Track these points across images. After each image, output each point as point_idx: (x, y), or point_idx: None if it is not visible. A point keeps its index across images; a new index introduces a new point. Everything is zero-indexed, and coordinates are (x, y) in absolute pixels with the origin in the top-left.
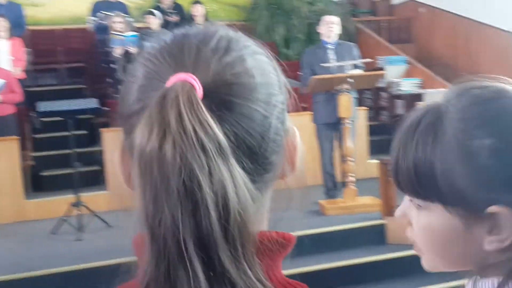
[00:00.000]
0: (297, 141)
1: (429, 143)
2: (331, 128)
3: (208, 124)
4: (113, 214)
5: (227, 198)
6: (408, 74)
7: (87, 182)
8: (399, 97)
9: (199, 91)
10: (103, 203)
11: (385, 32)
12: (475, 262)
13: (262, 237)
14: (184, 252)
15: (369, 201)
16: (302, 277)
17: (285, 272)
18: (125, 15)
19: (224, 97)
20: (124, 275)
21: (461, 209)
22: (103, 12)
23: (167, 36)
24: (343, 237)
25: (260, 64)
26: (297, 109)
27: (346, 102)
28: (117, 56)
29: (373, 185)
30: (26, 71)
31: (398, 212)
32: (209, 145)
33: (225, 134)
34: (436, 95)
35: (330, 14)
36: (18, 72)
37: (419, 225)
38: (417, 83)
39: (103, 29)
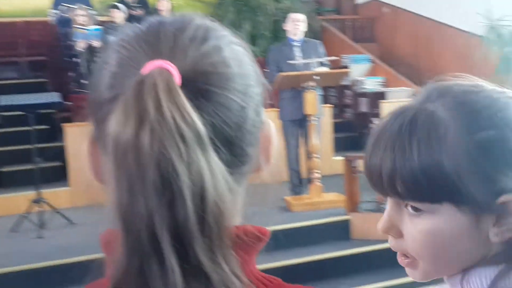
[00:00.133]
0: (272, 134)
1: (433, 145)
2: (297, 125)
3: (187, 112)
4: (76, 210)
5: (205, 189)
6: (371, 73)
7: (48, 178)
8: (363, 95)
9: (177, 79)
10: (65, 200)
11: (349, 31)
12: (475, 257)
13: (238, 231)
14: (159, 245)
15: (334, 197)
16: (268, 273)
17: None
18: (88, 8)
19: (202, 86)
20: (93, 273)
21: (471, 205)
22: (64, 4)
23: (141, 24)
24: (308, 233)
25: (237, 55)
26: (263, 105)
27: (312, 99)
28: (80, 50)
29: (337, 181)
30: None
31: (383, 225)
32: (188, 134)
33: (203, 123)
34: (399, 93)
35: (296, 11)
36: None
37: (420, 231)
38: (381, 82)
39: (65, 22)
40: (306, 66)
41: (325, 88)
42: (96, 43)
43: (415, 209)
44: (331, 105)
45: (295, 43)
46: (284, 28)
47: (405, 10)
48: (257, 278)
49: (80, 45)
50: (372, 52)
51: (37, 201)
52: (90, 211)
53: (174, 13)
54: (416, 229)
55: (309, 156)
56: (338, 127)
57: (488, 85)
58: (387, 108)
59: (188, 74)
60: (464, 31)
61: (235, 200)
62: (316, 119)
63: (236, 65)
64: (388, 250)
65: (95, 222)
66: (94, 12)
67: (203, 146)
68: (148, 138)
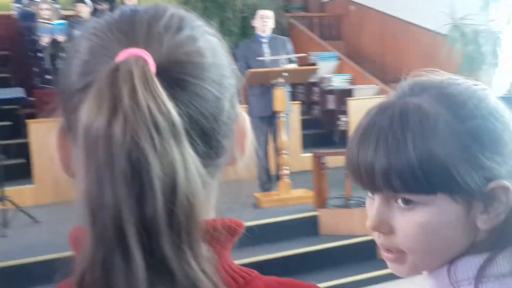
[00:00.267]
0: (247, 126)
1: (427, 136)
2: (265, 121)
3: (163, 102)
4: (40, 208)
5: (177, 182)
6: (338, 70)
7: (12, 176)
8: (330, 92)
9: (152, 68)
10: (30, 198)
11: (316, 28)
12: (463, 246)
13: (216, 224)
14: (124, 237)
15: (302, 193)
16: None
17: None
18: (52, 1)
19: (178, 76)
20: (60, 271)
21: (464, 193)
22: None
23: (114, 12)
24: (277, 229)
25: (211, 45)
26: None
27: (281, 96)
28: (44, 44)
29: (305, 178)
30: None
31: (373, 222)
32: (162, 124)
33: (179, 114)
34: (365, 91)
35: (264, 8)
36: None
37: (414, 225)
38: (347, 79)
39: (28, 16)
40: (275, 62)
41: (293, 85)
42: (60, 38)
43: (407, 202)
44: (299, 102)
45: (263, 40)
46: (253, 24)
47: (371, 8)
48: (234, 270)
49: (44, 39)
50: (339, 50)
51: (0, 199)
52: (55, 209)
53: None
54: (409, 223)
55: (278, 152)
56: (306, 124)
57: (462, 79)
58: (354, 105)
59: (163, 63)
60: (429, 30)
61: (209, 194)
62: (285, 115)
63: (211, 55)
64: (355, 245)
65: (60, 220)
66: (58, 6)
67: (178, 137)
68: (120, 126)
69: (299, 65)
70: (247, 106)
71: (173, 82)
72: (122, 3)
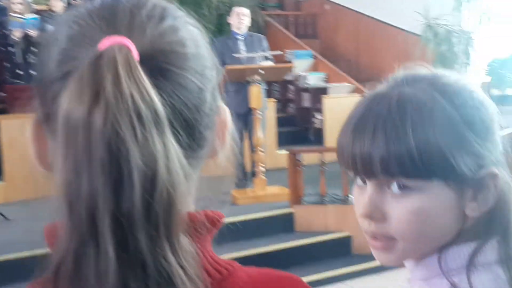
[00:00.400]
0: (228, 119)
1: (425, 123)
2: (241, 118)
3: (146, 91)
4: (11, 206)
5: (157, 173)
6: (313, 69)
7: None
8: (305, 90)
9: (136, 56)
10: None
11: (292, 27)
12: (451, 233)
13: (196, 217)
14: (97, 229)
15: (278, 190)
16: None
17: None
18: None
19: (161, 65)
20: (34, 270)
21: (458, 180)
22: None
23: (94, 0)
24: (253, 226)
25: (193, 35)
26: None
27: (257, 93)
28: (16, 39)
29: (280, 175)
30: None
31: (366, 209)
32: (145, 113)
33: (162, 104)
34: (340, 89)
35: (240, 5)
36: None
37: (408, 210)
38: (323, 77)
39: (0, 10)
40: (250, 60)
41: (268, 83)
42: (33, 33)
43: (402, 188)
44: (274, 100)
45: (239, 37)
46: (229, 21)
47: (346, 7)
48: (217, 262)
49: (16, 34)
50: (314, 48)
51: None
52: (26, 206)
53: None
54: (403, 209)
55: (253, 149)
56: (281, 122)
57: (451, 72)
58: (329, 103)
59: (146, 52)
60: (403, 29)
61: (191, 185)
62: (261, 113)
63: (193, 46)
64: (330, 241)
65: (31, 218)
66: (30, 0)
67: (160, 127)
68: (102, 114)
69: (275, 63)
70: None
71: (156, 72)
72: None
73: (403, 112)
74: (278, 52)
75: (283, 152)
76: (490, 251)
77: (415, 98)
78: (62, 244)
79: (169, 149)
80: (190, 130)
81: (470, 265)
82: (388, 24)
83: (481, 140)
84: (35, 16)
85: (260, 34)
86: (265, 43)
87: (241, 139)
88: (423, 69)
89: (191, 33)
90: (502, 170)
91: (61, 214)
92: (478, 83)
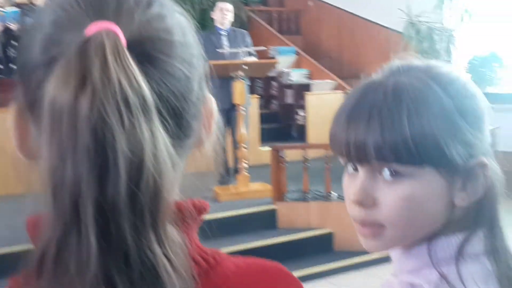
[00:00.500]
0: (214, 109)
1: (420, 111)
2: (224, 114)
3: (134, 77)
4: None
5: (144, 161)
6: (296, 65)
7: None
8: (289, 86)
9: (123, 42)
10: None
11: (275, 23)
12: (439, 222)
13: (181, 206)
14: (81, 216)
15: (261, 187)
16: None
17: None
18: None
19: (149, 52)
20: (14, 265)
21: (450, 168)
22: None
23: None
24: (236, 223)
25: (180, 23)
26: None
27: (240, 89)
28: None
29: (263, 171)
30: None
31: (358, 195)
32: (133, 100)
33: (150, 91)
34: (323, 85)
35: (223, 1)
36: None
37: (399, 196)
38: (306, 74)
39: None
40: (234, 55)
41: (252, 79)
42: (13, 26)
43: (394, 174)
44: (257, 96)
45: (222, 32)
46: (212, 16)
47: (329, 4)
48: (204, 251)
49: None
50: (297, 45)
51: None
52: (2, 202)
53: None
54: (394, 195)
55: (236, 146)
56: (264, 118)
57: (443, 63)
58: (312, 100)
59: (134, 38)
60: (385, 27)
61: (178, 174)
62: (244, 109)
63: (181, 34)
64: (312, 238)
65: (8, 214)
66: None
67: (148, 114)
68: (88, 100)
69: (258, 59)
70: None
71: (144, 59)
72: None
73: (398, 100)
74: (262, 48)
75: (266, 149)
76: (478, 242)
77: (411, 86)
78: (45, 233)
79: (156, 137)
80: (177, 119)
81: (459, 255)
82: (371, 21)
83: (473, 129)
84: (15, 9)
85: (243, 30)
86: (248, 39)
87: (224, 135)
88: (417, 60)
89: (179, 21)
90: (491, 161)
91: (45, 202)
92: None
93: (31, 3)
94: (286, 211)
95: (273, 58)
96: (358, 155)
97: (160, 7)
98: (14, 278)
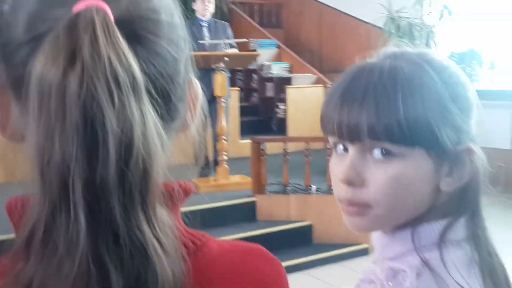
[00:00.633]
0: (199, 91)
1: (416, 94)
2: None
3: (124, 54)
4: None
5: (133, 140)
6: (277, 58)
7: None
8: (269, 79)
9: (112, 20)
10: None
11: (256, 15)
12: (424, 207)
13: (169, 187)
14: (69, 195)
15: (240, 179)
16: None
17: None
18: None
19: (137, 31)
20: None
21: (439, 151)
22: None
23: None
24: (216, 215)
25: (167, 4)
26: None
27: (221, 81)
28: None
29: (242, 164)
30: None
31: (348, 173)
32: (123, 77)
33: (140, 70)
34: (303, 79)
35: None
36: None
37: (388, 176)
38: (286, 67)
39: None
40: (215, 46)
41: (232, 71)
42: None
43: (385, 154)
44: (238, 89)
45: (203, 23)
46: (193, 7)
47: None
48: (190, 233)
49: None
50: (278, 38)
51: None
52: None
53: None
54: (383, 174)
55: (216, 138)
56: (244, 111)
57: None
58: (292, 93)
59: (122, 17)
60: (366, 22)
61: (167, 156)
62: (225, 101)
63: (168, 14)
64: (291, 230)
65: None
66: None
67: (138, 93)
68: (77, 77)
69: (239, 51)
70: None
71: (133, 38)
72: None
73: (394, 81)
74: (244, 40)
75: (246, 141)
76: (460, 229)
77: (407, 68)
78: (32, 214)
79: (146, 116)
80: (164, 101)
81: (442, 242)
82: (351, 16)
83: (463, 115)
84: None
85: (224, 22)
86: (229, 31)
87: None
88: (409, 48)
89: (166, 2)
90: (478, 147)
91: (32, 183)
92: None
93: None
94: (265, 203)
95: (254, 50)
96: (351, 133)
97: None
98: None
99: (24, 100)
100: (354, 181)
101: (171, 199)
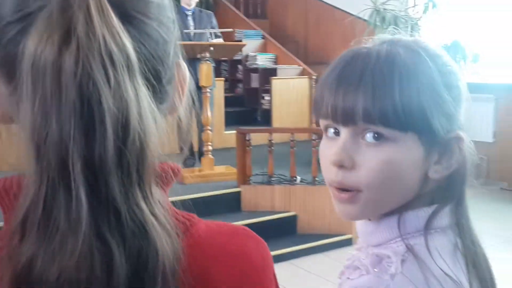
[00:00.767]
0: (187, 74)
1: (412, 79)
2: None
3: (118, 34)
4: None
5: (129, 117)
6: (263, 49)
7: None
8: (254, 70)
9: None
10: None
11: (242, 6)
12: (413, 193)
13: (161, 167)
14: (68, 174)
15: (225, 170)
16: None
17: None
18: None
19: (129, 12)
20: None
21: (431, 137)
22: None
23: None
24: (201, 205)
25: None
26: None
27: (207, 71)
28: None
29: (227, 154)
30: None
31: (339, 156)
32: (117, 56)
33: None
34: (288, 70)
35: None
36: None
37: (379, 159)
38: (271, 58)
39: None
40: (199, 36)
41: (217, 62)
42: None
43: (377, 137)
44: (223, 79)
45: (188, 12)
46: None
47: None
48: (178, 213)
49: None
50: (264, 29)
51: None
52: None
53: None
54: (375, 158)
55: (202, 128)
56: (229, 102)
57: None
58: (277, 84)
59: None
60: (351, 14)
61: (160, 136)
62: (210, 91)
63: None
64: (276, 221)
65: None
66: None
67: (132, 72)
68: (73, 56)
69: (225, 41)
70: None
71: (124, 18)
72: None
73: (391, 65)
74: (229, 30)
75: (231, 132)
76: (444, 217)
77: (404, 54)
78: (29, 192)
79: (140, 95)
80: (155, 82)
81: (427, 229)
82: (337, 7)
83: (455, 103)
84: None
85: (209, 11)
86: (214, 20)
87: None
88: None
89: None
90: (467, 136)
91: (27, 163)
92: None
93: None
94: (250, 194)
95: (239, 41)
96: (346, 116)
97: None
98: None
99: (15, 80)
100: (345, 163)
101: (162, 179)
